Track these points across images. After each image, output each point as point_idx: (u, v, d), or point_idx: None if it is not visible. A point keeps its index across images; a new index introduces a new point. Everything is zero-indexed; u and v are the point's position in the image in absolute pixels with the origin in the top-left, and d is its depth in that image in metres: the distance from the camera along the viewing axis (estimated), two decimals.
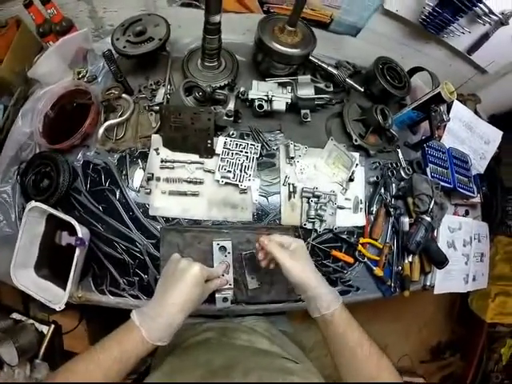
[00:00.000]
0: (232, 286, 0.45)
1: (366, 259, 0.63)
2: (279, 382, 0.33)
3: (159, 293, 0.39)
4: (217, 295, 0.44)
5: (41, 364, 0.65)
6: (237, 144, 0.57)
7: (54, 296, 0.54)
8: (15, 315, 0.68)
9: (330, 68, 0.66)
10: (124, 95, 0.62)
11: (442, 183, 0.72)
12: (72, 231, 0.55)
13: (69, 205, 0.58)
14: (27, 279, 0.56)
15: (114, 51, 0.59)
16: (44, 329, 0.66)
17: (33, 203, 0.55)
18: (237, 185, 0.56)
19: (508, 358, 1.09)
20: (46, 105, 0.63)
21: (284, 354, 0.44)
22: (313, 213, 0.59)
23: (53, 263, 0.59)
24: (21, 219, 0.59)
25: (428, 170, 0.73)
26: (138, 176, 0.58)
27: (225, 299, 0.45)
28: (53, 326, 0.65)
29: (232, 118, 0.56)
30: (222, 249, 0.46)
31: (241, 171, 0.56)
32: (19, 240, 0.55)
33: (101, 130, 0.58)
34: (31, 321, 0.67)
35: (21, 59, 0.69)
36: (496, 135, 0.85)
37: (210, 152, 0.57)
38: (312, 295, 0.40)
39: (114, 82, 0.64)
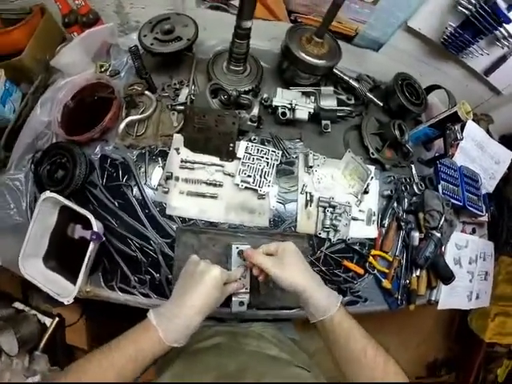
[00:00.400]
0: (248, 291, 0.45)
1: (375, 271, 0.64)
2: None
3: (177, 294, 0.38)
4: (233, 299, 0.44)
5: (40, 356, 0.64)
6: (258, 149, 0.57)
7: (62, 289, 0.54)
8: (17, 304, 0.67)
9: (351, 81, 0.66)
10: (147, 92, 0.62)
11: (453, 200, 0.73)
12: (85, 225, 0.55)
13: (83, 198, 0.57)
14: (35, 270, 0.55)
15: (139, 47, 0.60)
16: (47, 320, 0.65)
17: (47, 193, 0.54)
18: (256, 190, 0.56)
19: (503, 379, 1.10)
20: (67, 95, 0.63)
21: (294, 361, 0.44)
22: (328, 222, 0.59)
23: (62, 256, 0.58)
24: (32, 208, 0.59)
25: (440, 186, 0.73)
26: (156, 174, 0.58)
27: (241, 303, 0.45)
28: (57, 318, 0.64)
29: (255, 124, 0.57)
30: (241, 253, 0.46)
31: (261, 177, 0.56)
32: (30, 230, 0.54)
33: (122, 125, 0.58)
34: (34, 311, 0.66)
35: (43, 47, 0.69)
36: (507, 156, 0.87)
37: (231, 155, 0.57)
38: (305, 301, 0.39)
39: (137, 78, 0.64)
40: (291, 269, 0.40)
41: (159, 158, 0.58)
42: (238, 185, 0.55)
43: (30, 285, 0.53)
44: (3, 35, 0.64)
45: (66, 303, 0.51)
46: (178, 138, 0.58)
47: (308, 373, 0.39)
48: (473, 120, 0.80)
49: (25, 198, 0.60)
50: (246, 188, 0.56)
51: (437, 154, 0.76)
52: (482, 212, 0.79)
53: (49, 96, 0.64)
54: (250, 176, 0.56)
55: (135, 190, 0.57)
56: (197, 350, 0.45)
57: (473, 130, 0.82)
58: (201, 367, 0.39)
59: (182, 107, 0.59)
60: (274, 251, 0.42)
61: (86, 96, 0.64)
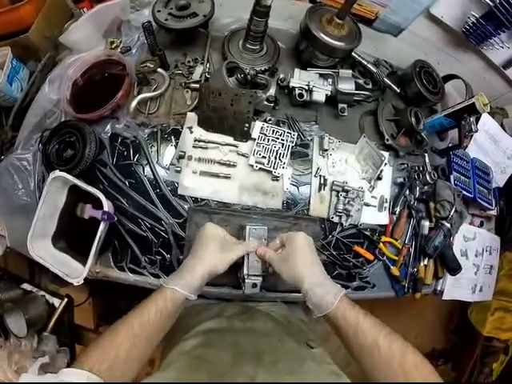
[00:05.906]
0: (260, 273, 0.45)
1: (385, 257, 0.64)
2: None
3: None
4: (247, 280, 0.44)
5: (49, 337, 0.64)
6: (273, 130, 0.56)
7: (72, 269, 0.53)
8: (26, 286, 0.67)
9: (369, 65, 0.65)
10: (159, 69, 0.60)
11: (464, 192, 0.72)
12: (95, 204, 0.54)
13: (93, 177, 0.56)
14: (44, 251, 0.54)
15: (153, 23, 0.58)
16: (55, 301, 0.65)
17: (57, 172, 0.53)
18: (270, 171, 0.55)
19: (498, 373, 1.11)
20: (76, 72, 0.61)
21: (302, 338, 0.43)
22: (341, 207, 0.58)
23: (71, 236, 0.57)
24: (40, 188, 0.58)
25: (452, 177, 0.73)
26: (168, 153, 0.57)
27: (254, 285, 0.44)
28: (66, 299, 0.63)
29: (272, 104, 0.55)
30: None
31: (275, 158, 0.55)
32: (39, 210, 0.53)
33: (134, 103, 0.57)
34: (42, 292, 0.65)
35: (51, 24, 0.66)
36: None
37: (245, 136, 0.56)
38: (305, 295, 0.38)
39: (149, 55, 0.62)
40: (293, 262, 0.40)
41: (172, 137, 0.57)
42: (252, 166, 0.55)
43: (37, 265, 0.53)
44: (10, 12, 0.62)
45: (75, 284, 0.51)
46: (192, 117, 0.57)
47: (316, 349, 0.39)
48: (488, 113, 0.79)
49: (33, 178, 0.59)
50: (260, 169, 0.55)
51: (450, 145, 0.75)
52: (492, 206, 0.78)
53: (57, 73, 0.62)
54: (264, 157, 0.55)
55: (146, 169, 0.56)
56: (208, 326, 0.45)
57: (487, 123, 0.81)
58: (216, 341, 0.39)
59: (196, 85, 0.58)
60: (283, 242, 0.44)
61: (96, 73, 0.62)
